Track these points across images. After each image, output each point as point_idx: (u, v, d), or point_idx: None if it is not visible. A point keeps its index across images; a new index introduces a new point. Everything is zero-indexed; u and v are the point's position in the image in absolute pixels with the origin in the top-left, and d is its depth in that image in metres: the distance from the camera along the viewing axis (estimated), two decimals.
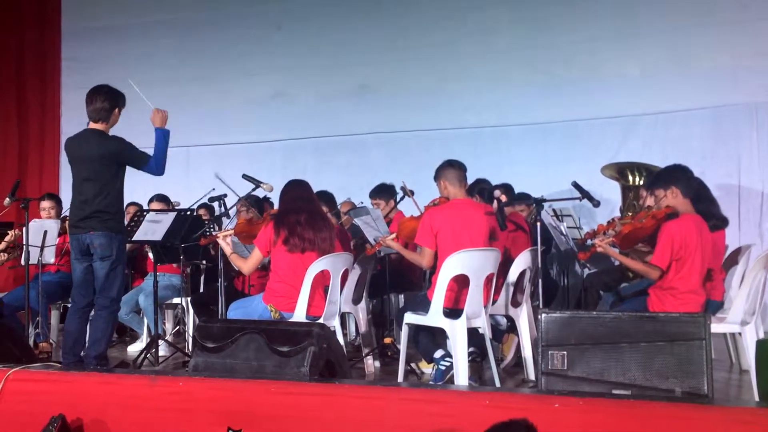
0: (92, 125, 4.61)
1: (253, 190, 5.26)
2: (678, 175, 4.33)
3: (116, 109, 4.61)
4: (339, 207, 6.21)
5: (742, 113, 6.83)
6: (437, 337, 4.61)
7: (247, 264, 4.65)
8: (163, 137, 4.65)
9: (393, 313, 5.68)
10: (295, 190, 4.67)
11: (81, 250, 4.55)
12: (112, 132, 4.68)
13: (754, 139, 6.79)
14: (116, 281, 4.59)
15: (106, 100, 4.56)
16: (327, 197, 5.90)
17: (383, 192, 6.17)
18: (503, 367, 4.98)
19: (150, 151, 4.63)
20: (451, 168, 4.66)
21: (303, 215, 4.52)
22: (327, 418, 3.11)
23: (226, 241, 4.71)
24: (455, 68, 7.77)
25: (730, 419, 2.66)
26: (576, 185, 4.63)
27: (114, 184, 4.56)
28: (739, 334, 4.34)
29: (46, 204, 6.09)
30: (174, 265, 5.97)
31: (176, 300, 6.08)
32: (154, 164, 4.57)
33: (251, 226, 4.90)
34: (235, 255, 4.71)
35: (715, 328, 3.84)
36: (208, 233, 5.21)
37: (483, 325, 4.43)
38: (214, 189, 5.96)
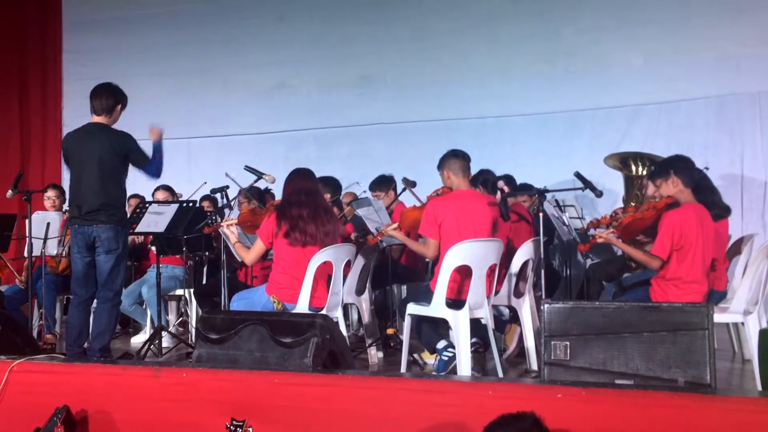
0: (96, 119, 4.64)
1: (256, 181, 5.26)
2: (679, 165, 4.33)
3: (119, 106, 4.68)
4: (341, 197, 6.20)
5: (745, 103, 6.80)
6: (440, 327, 4.62)
7: (249, 254, 4.65)
8: (161, 148, 4.79)
9: (396, 304, 5.68)
10: (300, 181, 4.63)
11: (86, 243, 4.56)
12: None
13: (758, 129, 6.76)
14: (120, 274, 4.63)
15: (111, 97, 4.64)
16: (332, 184, 5.87)
17: (382, 183, 6.16)
18: (506, 357, 4.98)
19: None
20: (455, 158, 4.65)
21: (305, 210, 4.49)
22: (330, 408, 3.13)
23: (230, 229, 4.72)
24: (458, 58, 7.74)
25: (732, 409, 2.67)
26: (579, 175, 4.62)
27: (121, 178, 4.64)
28: (742, 323, 4.34)
29: (51, 193, 6.11)
30: (177, 256, 5.98)
31: (179, 291, 6.09)
32: (155, 168, 4.71)
33: (254, 216, 4.91)
34: (239, 244, 4.72)
35: (718, 318, 3.83)
36: (211, 222, 5.22)
37: (485, 316, 4.43)
38: (206, 183, 5.98)
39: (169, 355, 5.32)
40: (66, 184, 5.18)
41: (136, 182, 6.09)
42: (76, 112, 8.17)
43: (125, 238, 4.67)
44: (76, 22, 9.20)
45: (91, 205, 4.52)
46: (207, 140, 8.46)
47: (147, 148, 4.75)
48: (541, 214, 4.54)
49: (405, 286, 6.07)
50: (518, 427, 2.38)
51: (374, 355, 5.10)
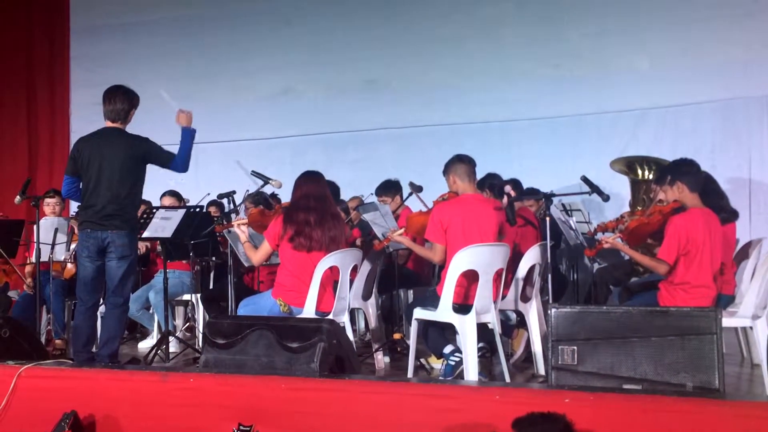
0: (110, 124, 4.64)
1: (262, 186, 5.28)
2: (684, 170, 4.31)
3: (133, 110, 4.67)
4: (347, 203, 6.21)
5: (753, 106, 6.78)
6: (447, 332, 4.61)
7: (256, 255, 4.65)
8: (189, 136, 4.75)
9: (402, 309, 5.68)
10: (310, 185, 4.61)
11: (98, 248, 4.53)
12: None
13: (765, 133, 6.74)
14: (130, 280, 4.66)
15: (126, 102, 4.61)
16: (332, 189, 5.86)
17: (389, 188, 6.16)
18: (513, 362, 4.98)
19: (169, 148, 4.72)
20: (461, 163, 4.65)
21: (313, 215, 4.48)
22: (337, 413, 3.12)
23: (240, 228, 4.73)
24: (463, 63, 7.75)
25: (741, 414, 2.66)
26: (585, 180, 4.61)
27: (140, 183, 4.64)
28: (751, 328, 4.31)
29: (52, 200, 6.12)
30: (184, 261, 5.99)
31: (186, 296, 6.10)
32: (180, 162, 4.67)
33: (263, 216, 4.92)
34: (248, 243, 4.72)
35: (726, 322, 3.81)
36: (223, 222, 5.23)
37: (492, 321, 4.42)
38: (219, 190, 5.98)
39: (176, 360, 5.33)
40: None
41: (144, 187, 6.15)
42: (84, 118, 8.21)
43: (137, 245, 4.69)
44: (83, 28, 9.24)
45: (107, 209, 4.50)
46: (214, 145, 8.47)
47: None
48: (547, 219, 4.52)
49: (411, 291, 6.07)
50: (548, 428, 2.35)
51: (381, 359, 5.10)
